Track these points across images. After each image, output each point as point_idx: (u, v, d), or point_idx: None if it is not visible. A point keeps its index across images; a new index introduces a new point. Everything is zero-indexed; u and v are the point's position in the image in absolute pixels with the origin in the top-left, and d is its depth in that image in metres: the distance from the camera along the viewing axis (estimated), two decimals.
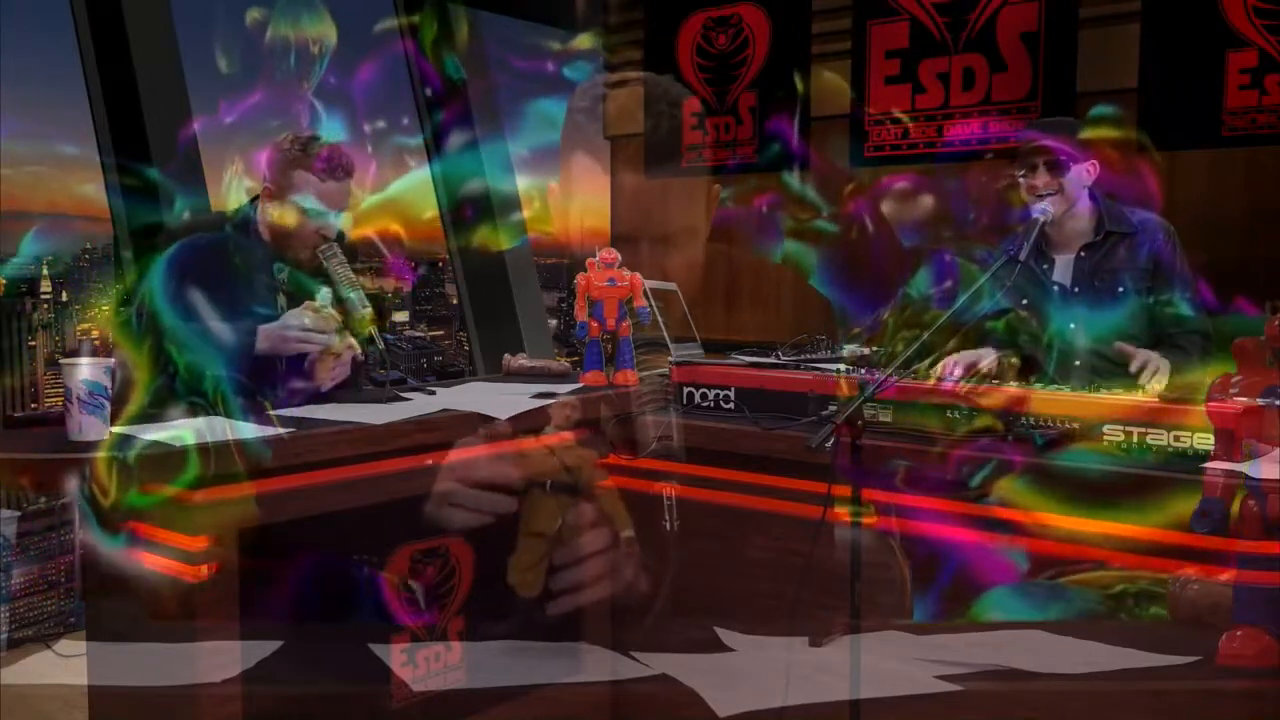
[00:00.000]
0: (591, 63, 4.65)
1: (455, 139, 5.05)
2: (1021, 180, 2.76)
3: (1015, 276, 2.59)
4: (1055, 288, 2.80)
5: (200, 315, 2.40)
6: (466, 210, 5.13)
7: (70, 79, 4.02)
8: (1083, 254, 2.79)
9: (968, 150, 3.87)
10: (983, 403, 2.28)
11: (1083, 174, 2.74)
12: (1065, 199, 2.73)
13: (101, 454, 1.93)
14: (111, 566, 2.11)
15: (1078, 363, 2.72)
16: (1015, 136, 3.26)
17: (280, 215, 2.60)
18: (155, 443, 1.99)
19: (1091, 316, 2.72)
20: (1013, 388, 2.32)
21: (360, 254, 2.77)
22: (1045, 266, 2.83)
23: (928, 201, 3.83)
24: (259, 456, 2.04)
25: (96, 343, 4.42)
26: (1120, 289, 2.73)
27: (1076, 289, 2.78)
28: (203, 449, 1.99)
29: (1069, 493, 2.06)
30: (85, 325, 4.50)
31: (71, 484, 1.96)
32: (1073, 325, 2.75)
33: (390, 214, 2.95)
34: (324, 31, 3.10)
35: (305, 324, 2.48)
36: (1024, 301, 2.81)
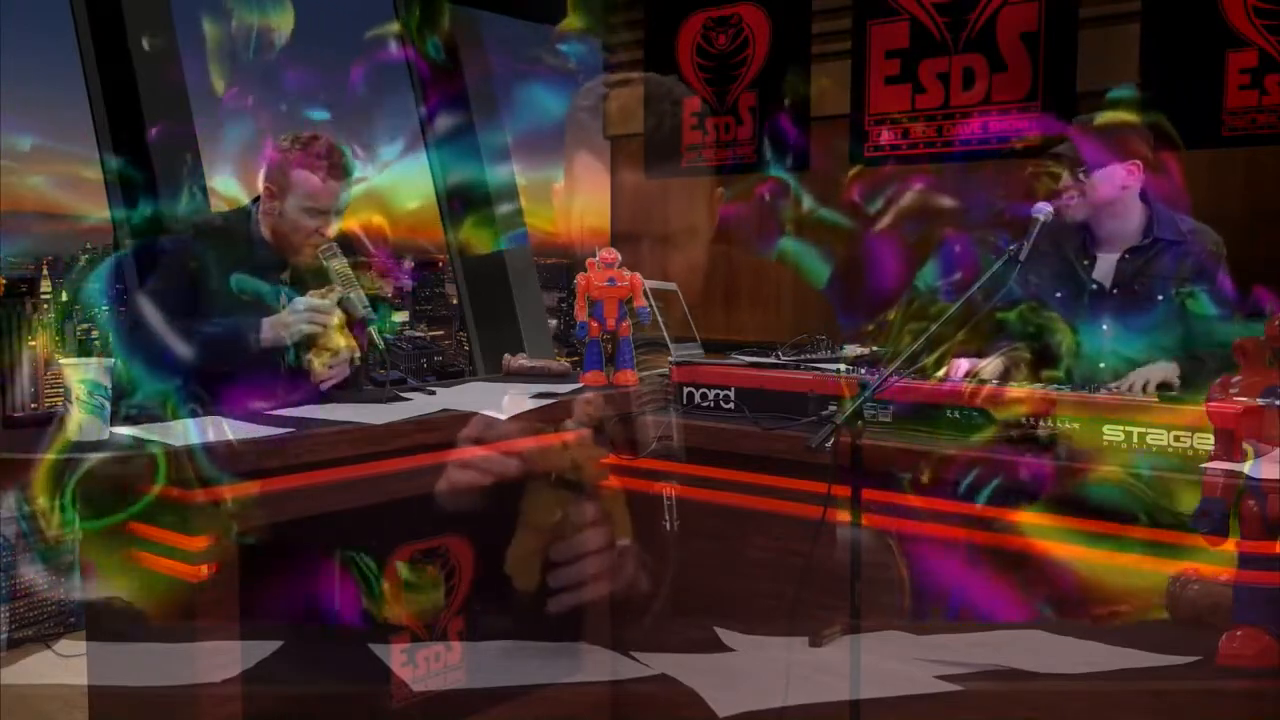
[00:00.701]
0: (584, 43, 4.62)
1: (453, 135, 5.05)
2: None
3: (1052, 270, 2.58)
4: (1094, 286, 2.75)
5: (148, 320, 2.38)
6: (463, 204, 5.12)
7: (70, 79, 4.02)
8: (1127, 256, 2.73)
9: (967, 150, 3.87)
10: (984, 404, 2.27)
11: (1114, 177, 2.68)
12: (1087, 205, 2.69)
13: (41, 478, 1.90)
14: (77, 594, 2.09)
15: (1103, 365, 2.66)
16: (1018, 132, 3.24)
17: (280, 214, 2.60)
18: (105, 459, 1.97)
19: (1125, 319, 2.67)
20: (1014, 389, 2.31)
21: (352, 248, 2.76)
22: (1086, 263, 2.77)
23: (928, 200, 3.83)
24: (207, 468, 2.02)
25: (38, 350, 4.39)
26: (1160, 296, 2.67)
27: (1116, 290, 2.73)
28: (147, 460, 1.96)
29: (1069, 494, 2.06)
30: (85, 325, 4.49)
31: (8, 504, 1.93)
32: (1105, 326, 2.69)
33: (374, 206, 2.94)
34: (279, 19, 3.08)
35: (308, 304, 2.49)
36: (1057, 295, 2.76)
